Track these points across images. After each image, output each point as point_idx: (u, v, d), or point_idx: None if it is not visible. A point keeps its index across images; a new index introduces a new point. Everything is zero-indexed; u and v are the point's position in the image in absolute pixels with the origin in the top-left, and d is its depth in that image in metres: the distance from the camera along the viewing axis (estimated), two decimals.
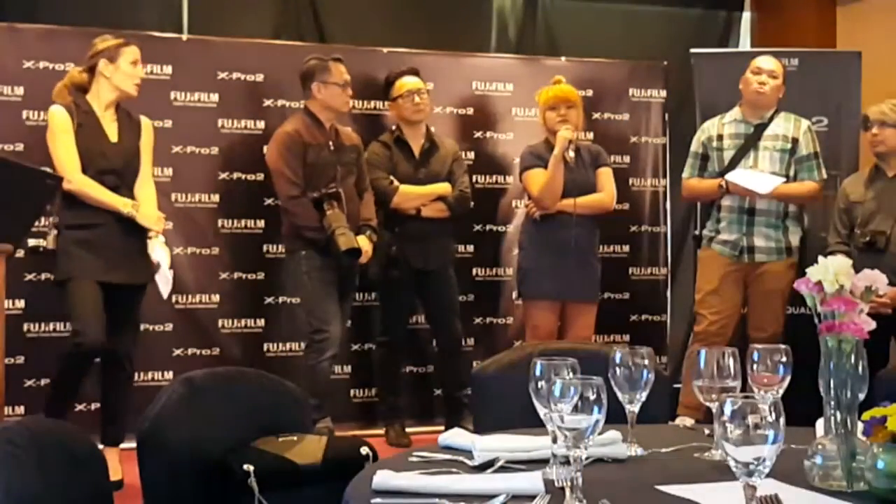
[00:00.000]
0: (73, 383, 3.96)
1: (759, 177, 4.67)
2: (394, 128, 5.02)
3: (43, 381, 4.47)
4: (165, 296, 4.20)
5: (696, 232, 5.10)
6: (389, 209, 4.87)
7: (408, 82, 4.94)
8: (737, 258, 4.73)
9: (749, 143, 4.76)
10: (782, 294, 4.68)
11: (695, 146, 4.92)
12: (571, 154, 4.67)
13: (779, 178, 4.66)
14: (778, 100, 4.81)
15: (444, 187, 4.92)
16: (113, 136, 4.10)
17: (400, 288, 4.92)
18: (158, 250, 4.12)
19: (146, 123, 4.27)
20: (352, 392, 5.25)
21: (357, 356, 5.26)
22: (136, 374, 4.83)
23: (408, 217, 4.87)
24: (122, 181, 4.08)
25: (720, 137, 4.83)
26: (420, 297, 5.03)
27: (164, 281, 4.11)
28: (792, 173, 4.75)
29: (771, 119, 4.78)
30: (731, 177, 4.69)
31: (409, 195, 4.85)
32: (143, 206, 4.12)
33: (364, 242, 4.63)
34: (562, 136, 4.65)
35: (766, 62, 4.79)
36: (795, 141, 4.76)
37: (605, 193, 4.84)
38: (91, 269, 3.94)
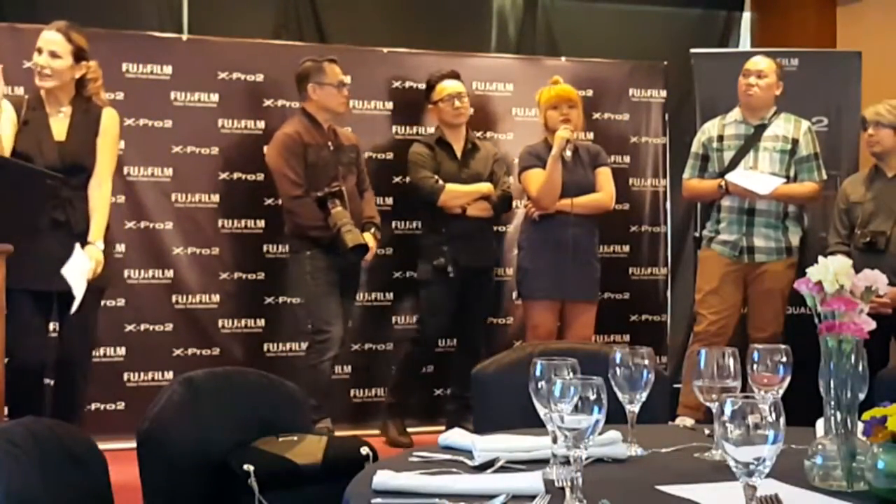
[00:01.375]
0: (27, 402, 3.63)
1: (758, 178, 4.68)
2: (434, 129, 5.05)
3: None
4: (72, 311, 3.68)
5: (697, 233, 5.10)
6: (436, 209, 4.87)
7: (448, 86, 4.95)
8: (736, 258, 4.73)
9: (749, 143, 4.76)
10: (782, 294, 4.68)
11: (695, 147, 4.93)
12: (569, 153, 4.68)
13: (779, 179, 4.67)
14: (775, 98, 4.81)
15: (487, 187, 4.94)
16: (60, 134, 3.84)
17: (446, 288, 4.90)
18: (78, 258, 3.69)
19: (107, 116, 3.96)
20: (352, 392, 5.25)
21: (357, 356, 5.26)
22: (136, 374, 4.87)
23: (453, 216, 4.86)
24: (65, 182, 3.73)
25: (720, 138, 4.84)
26: (458, 295, 5.00)
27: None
28: (792, 174, 4.76)
29: (771, 120, 4.79)
30: (731, 177, 4.70)
31: (455, 193, 4.86)
32: (92, 210, 3.82)
33: (369, 239, 4.65)
34: (559, 136, 4.66)
35: (755, 63, 4.78)
36: (795, 142, 4.76)
37: (605, 193, 4.85)
38: (26, 279, 3.53)
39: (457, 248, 4.84)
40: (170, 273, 4.95)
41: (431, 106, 5.03)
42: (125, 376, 4.86)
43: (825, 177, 4.83)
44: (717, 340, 4.50)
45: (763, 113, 4.79)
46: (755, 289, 4.76)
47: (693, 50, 5.68)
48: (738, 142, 4.78)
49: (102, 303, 4.81)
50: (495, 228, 5.45)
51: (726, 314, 4.73)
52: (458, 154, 4.98)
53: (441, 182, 4.86)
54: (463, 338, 5.15)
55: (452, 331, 5.18)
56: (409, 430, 5.02)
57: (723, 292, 4.74)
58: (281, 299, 5.09)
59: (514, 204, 5.28)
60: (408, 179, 5.03)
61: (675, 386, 4.69)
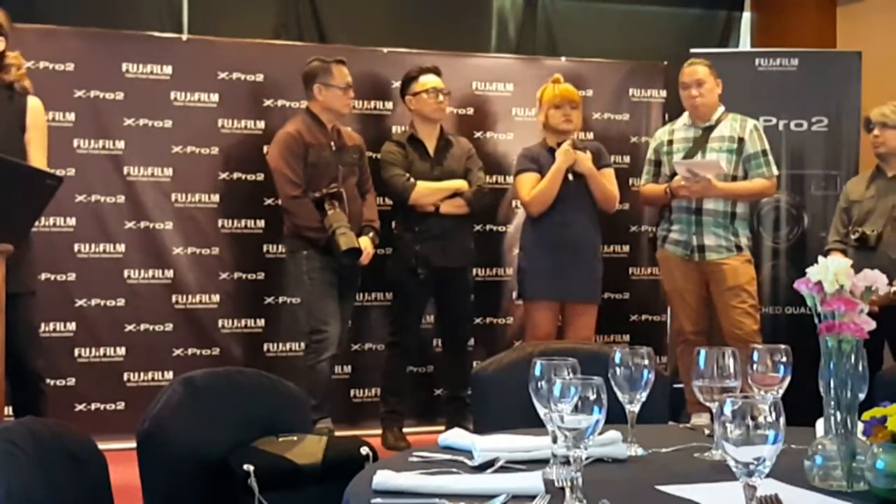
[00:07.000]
0: None
1: (703, 163, 4.68)
2: (406, 127, 5.01)
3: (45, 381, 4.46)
4: None
5: (651, 234, 5.09)
6: (408, 207, 4.84)
7: (431, 80, 4.91)
8: (689, 257, 4.75)
9: (697, 145, 4.79)
10: (746, 290, 4.68)
11: (649, 153, 5.00)
12: (571, 177, 4.67)
13: (721, 168, 4.66)
14: (719, 97, 4.80)
15: (461, 183, 4.89)
16: None
17: (419, 288, 4.87)
18: None
19: (33, 107, 3.68)
20: (352, 392, 5.25)
21: (357, 356, 5.26)
22: (136, 374, 4.87)
23: (427, 215, 4.82)
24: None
25: (670, 142, 4.88)
26: (435, 296, 5.00)
27: None
28: (741, 173, 4.76)
29: (718, 121, 4.80)
30: (678, 162, 4.69)
31: (427, 191, 4.81)
32: None
33: (366, 243, 4.64)
34: (565, 154, 4.65)
35: (691, 74, 4.77)
36: (741, 141, 4.77)
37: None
38: None
39: (430, 247, 4.80)
40: (170, 273, 4.95)
41: (411, 97, 4.93)
42: (125, 376, 4.86)
43: (776, 172, 4.83)
44: (696, 338, 4.57)
45: (710, 115, 4.80)
46: (718, 288, 4.73)
47: (693, 50, 5.67)
48: (687, 144, 4.81)
49: (103, 302, 4.85)
50: (496, 229, 5.46)
51: (694, 312, 4.77)
52: (431, 152, 4.92)
53: (412, 179, 4.82)
54: (447, 339, 5.14)
55: (438, 332, 5.18)
56: (409, 430, 5.02)
57: (685, 290, 4.78)
58: (281, 299, 5.09)
59: (516, 205, 5.27)
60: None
61: (676, 386, 4.69)
